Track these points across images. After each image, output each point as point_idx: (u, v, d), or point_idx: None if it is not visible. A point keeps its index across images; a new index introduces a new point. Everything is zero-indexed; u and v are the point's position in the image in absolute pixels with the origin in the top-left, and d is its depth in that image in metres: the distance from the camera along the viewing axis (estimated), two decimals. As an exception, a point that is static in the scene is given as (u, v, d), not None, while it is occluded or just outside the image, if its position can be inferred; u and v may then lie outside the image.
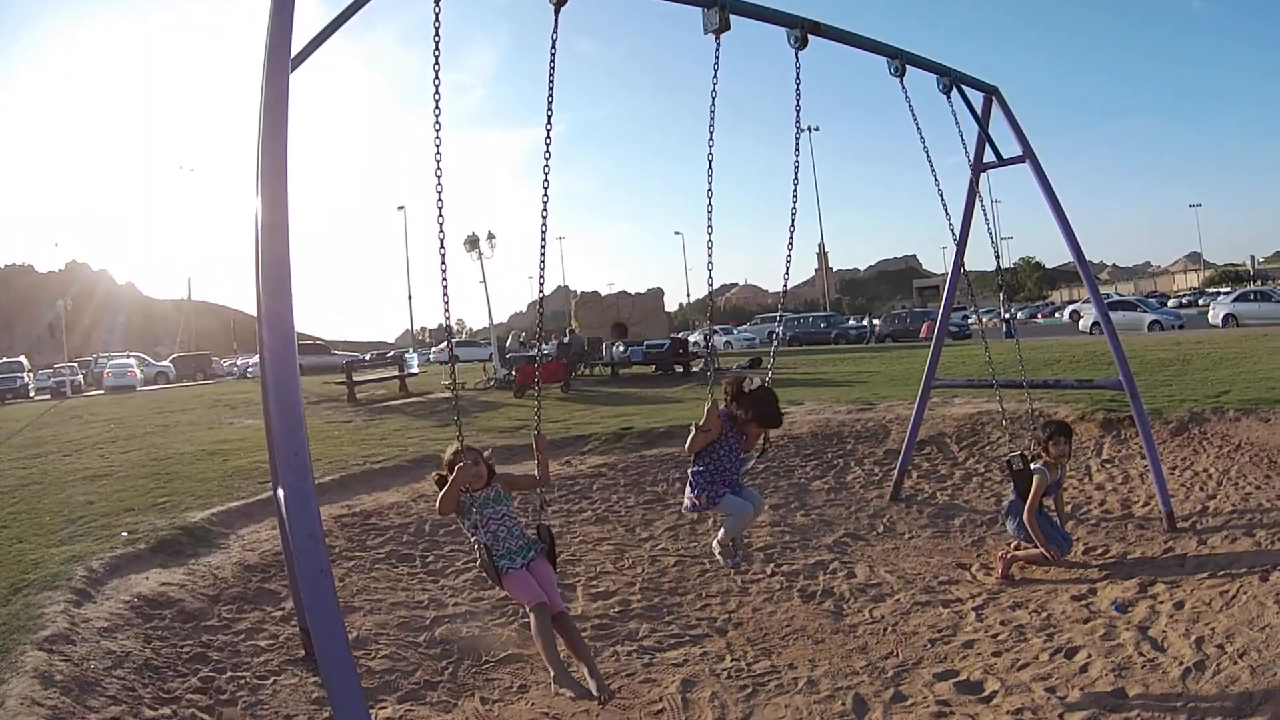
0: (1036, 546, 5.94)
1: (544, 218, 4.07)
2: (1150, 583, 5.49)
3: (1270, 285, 55.66)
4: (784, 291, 5.68)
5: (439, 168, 3.47)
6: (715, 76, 4.59)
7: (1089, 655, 4.50)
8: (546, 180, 4.02)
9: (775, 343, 6.08)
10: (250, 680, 4.55)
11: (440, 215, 3.43)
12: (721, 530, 4.98)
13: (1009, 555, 6.05)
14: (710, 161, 4.51)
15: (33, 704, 3.83)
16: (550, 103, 4.02)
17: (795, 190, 4.93)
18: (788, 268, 5.11)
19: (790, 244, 5.02)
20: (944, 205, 6.47)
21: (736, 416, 4.89)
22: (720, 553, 5.06)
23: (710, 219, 4.52)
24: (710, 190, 4.50)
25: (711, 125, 4.46)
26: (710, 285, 4.52)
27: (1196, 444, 8.57)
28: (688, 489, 4.99)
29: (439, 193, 3.39)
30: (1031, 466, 6.05)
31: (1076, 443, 8.70)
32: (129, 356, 48.47)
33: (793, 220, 4.93)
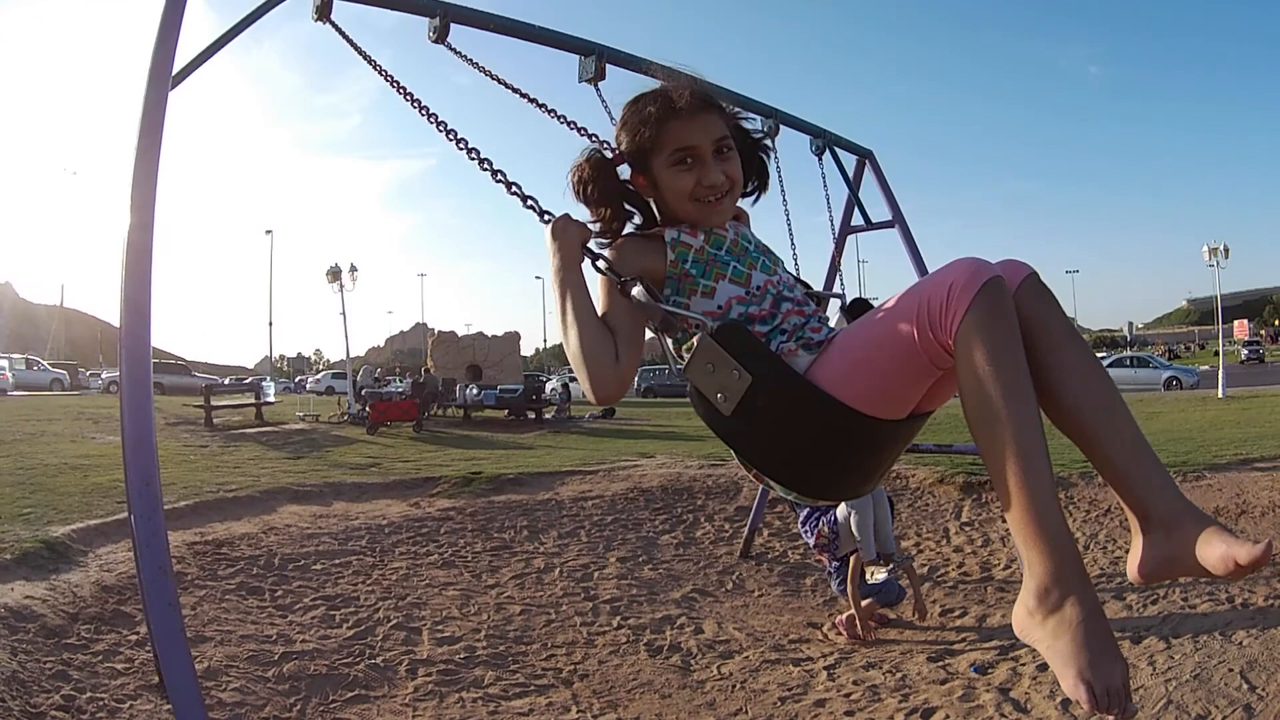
0: (880, 605, 5.95)
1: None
2: (1011, 645, 5.28)
3: (1149, 351, 57.07)
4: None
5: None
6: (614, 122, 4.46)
7: (947, 715, 4.45)
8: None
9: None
10: (109, 703, 4.45)
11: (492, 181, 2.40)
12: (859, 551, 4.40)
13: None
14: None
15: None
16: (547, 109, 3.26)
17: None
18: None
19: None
20: (796, 269, 6.12)
21: None
22: (868, 569, 4.51)
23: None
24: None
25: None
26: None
27: (1063, 508, 8.71)
28: (804, 536, 4.41)
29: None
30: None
31: (935, 505, 8.98)
32: (22, 358, 46.35)
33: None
